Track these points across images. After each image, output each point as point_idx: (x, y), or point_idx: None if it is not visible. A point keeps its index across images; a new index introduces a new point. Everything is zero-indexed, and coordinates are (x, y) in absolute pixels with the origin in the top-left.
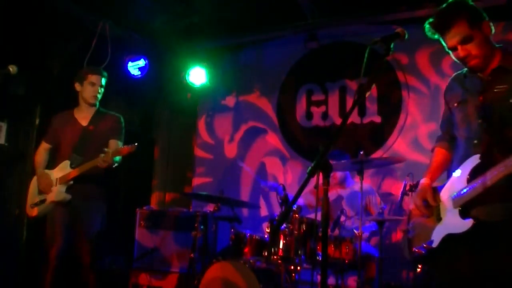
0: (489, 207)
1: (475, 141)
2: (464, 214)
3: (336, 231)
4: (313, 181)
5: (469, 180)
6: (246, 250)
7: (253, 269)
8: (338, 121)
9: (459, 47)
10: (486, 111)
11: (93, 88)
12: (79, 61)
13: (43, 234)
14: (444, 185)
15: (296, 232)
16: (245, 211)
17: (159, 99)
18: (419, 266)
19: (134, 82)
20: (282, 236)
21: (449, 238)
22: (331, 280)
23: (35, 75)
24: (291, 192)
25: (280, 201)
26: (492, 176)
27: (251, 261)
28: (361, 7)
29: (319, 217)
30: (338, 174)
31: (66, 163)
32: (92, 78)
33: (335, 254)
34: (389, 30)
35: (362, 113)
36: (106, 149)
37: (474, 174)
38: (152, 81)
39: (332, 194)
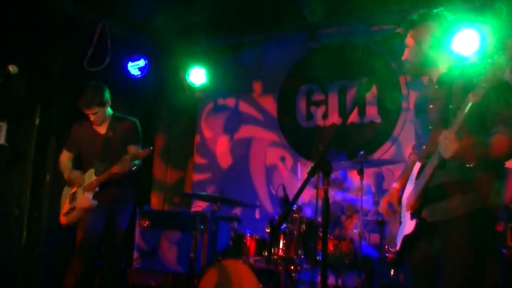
0: (432, 206)
1: (424, 147)
2: (413, 216)
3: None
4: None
5: (415, 184)
6: (246, 250)
7: (253, 269)
8: (338, 121)
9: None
10: (434, 117)
11: (88, 115)
12: (79, 61)
13: (42, 235)
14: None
15: (296, 232)
16: (245, 211)
17: (159, 99)
18: (392, 270)
19: (134, 82)
20: (282, 236)
21: (408, 239)
22: (331, 280)
23: (35, 75)
24: (291, 192)
25: (280, 201)
26: (424, 174)
27: (251, 261)
28: (361, 7)
29: (319, 217)
30: (339, 176)
31: (92, 171)
32: (86, 111)
33: (335, 254)
34: (389, 30)
35: (362, 113)
36: (123, 156)
37: (418, 177)
38: (152, 81)
39: (331, 195)
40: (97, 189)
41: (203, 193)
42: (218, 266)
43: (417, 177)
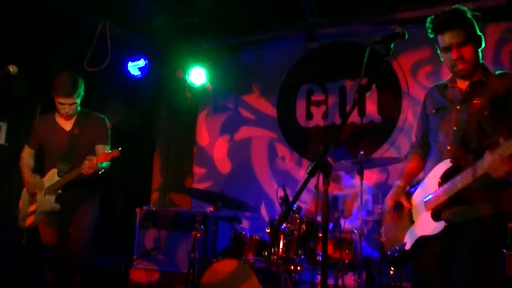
0: (458, 209)
1: (448, 147)
2: (436, 217)
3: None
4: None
5: (440, 184)
6: (246, 250)
7: (253, 269)
8: (338, 121)
9: (454, 48)
10: (463, 119)
11: (63, 106)
12: (79, 61)
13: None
14: (416, 188)
15: (296, 232)
16: (251, 211)
17: (159, 99)
18: (392, 268)
19: (134, 82)
20: (282, 236)
21: (422, 240)
22: (331, 280)
23: (35, 75)
24: (291, 193)
25: (280, 201)
26: (461, 180)
27: (251, 261)
28: (361, 7)
29: (319, 218)
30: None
31: (54, 171)
32: (59, 99)
33: (335, 254)
34: (389, 30)
35: (362, 113)
36: (89, 157)
37: (445, 178)
38: (152, 81)
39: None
40: (59, 191)
41: (203, 192)
42: (218, 266)
43: (444, 179)
